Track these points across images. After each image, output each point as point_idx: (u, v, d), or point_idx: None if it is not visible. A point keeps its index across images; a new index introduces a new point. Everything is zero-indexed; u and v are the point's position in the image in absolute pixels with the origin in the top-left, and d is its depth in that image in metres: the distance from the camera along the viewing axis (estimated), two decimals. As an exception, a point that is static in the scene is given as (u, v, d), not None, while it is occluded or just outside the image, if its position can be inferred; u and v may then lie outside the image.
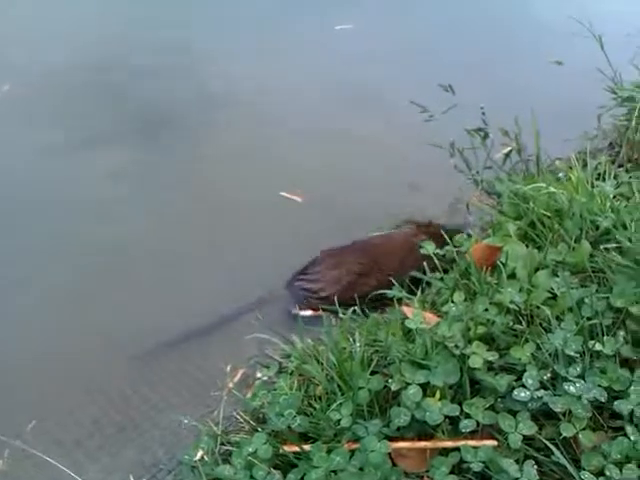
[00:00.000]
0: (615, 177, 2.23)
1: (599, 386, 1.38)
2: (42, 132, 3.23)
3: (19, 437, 1.79)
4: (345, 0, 4.48)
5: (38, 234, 2.58)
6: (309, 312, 2.16)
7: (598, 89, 2.80)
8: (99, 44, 4.03)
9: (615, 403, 1.36)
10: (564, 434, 1.33)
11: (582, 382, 1.39)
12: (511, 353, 1.49)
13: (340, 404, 1.44)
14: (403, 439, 1.41)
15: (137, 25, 4.27)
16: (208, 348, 2.11)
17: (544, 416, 1.41)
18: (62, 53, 3.94)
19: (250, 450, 1.43)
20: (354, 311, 1.84)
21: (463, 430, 1.37)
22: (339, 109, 3.31)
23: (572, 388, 1.36)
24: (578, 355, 1.44)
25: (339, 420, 1.41)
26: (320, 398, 1.55)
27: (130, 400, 1.96)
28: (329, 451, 1.37)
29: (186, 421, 1.66)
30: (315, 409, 1.50)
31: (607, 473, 1.27)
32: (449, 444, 1.36)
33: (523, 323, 1.60)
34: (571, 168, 2.15)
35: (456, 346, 1.49)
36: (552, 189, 1.97)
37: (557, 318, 1.58)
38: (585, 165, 2.21)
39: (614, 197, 2.06)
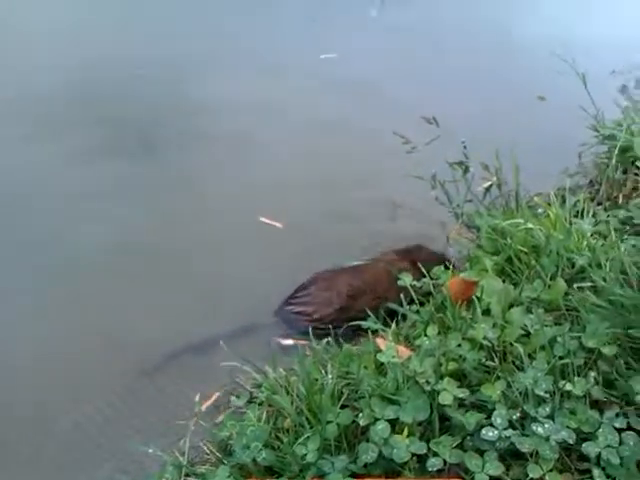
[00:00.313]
0: (594, 215, 2.24)
1: (568, 427, 1.37)
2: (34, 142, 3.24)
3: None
4: (331, 31, 4.52)
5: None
6: (290, 341, 2.15)
7: (581, 126, 2.85)
8: (88, 57, 4.05)
9: (583, 445, 1.35)
10: (531, 475, 1.32)
11: (551, 422, 1.38)
12: (482, 390, 1.48)
13: (307, 438, 1.42)
14: (369, 476, 1.39)
15: (127, 39, 4.29)
16: (181, 374, 2.08)
17: (512, 456, 1.40)
18: (51, 68, 3.96)
19: (213, 483, 1.41)
20: (328, 342, 1.83)
21: (430, 469, 1.35)
22: (322, 135, 3.33)
23: (540, 429, 1.35)
24: (548, 395, 1.43)
25: (305, 455, 1.39)
26: (288, 431, 1.53)
27: (98, 426, 1.92)
28: (293, 486, 1.35)
29: (151, 450, 1.61)
30: (282, 442, 1.48)
31: (573, 517, 1.26)
32: (415, 482, 1.35)
33: (496, 360, 1.60)
34: (550, 204, 2.16)
35: (427, 382, 1.48)
36: (530, 225, 1.98)
37: (529, 356, 1.58)
38: (564, 202, 2.23)
39: (591, 235, 2.07)
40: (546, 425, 1.37)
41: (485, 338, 1.62)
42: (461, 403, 1.49)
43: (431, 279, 1.99)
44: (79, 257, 2.55)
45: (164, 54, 4.14)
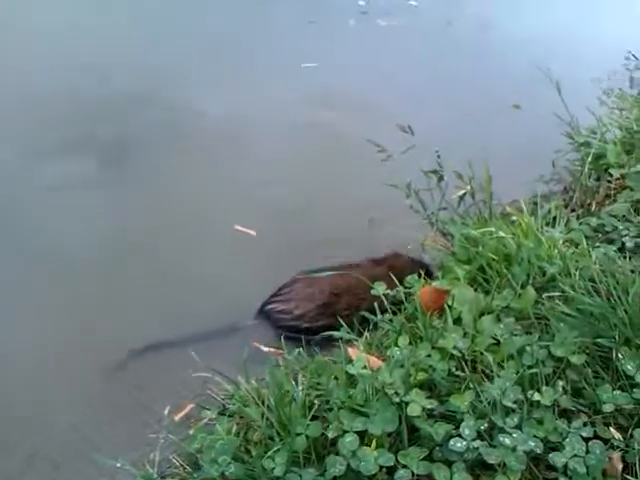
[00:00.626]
0: (567, 222, 2.26)
1: (535, 437, 1.38)
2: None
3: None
4: (312, 40, 4.53)
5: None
6: (268, 348, 2.14)
7: (557, 133, 2.87)
8: (73, 66, 4.01)
9: (550, 455, 1.35)
10: (498, 486, 1.32)
11: (519, 432, 1.38)
12: (451, 401, 1.48)
13: (276, 451, 1.41)
14: (338, 489, 1.38)
15: (111, 49, 4.26)
16: (155, 383, 2.06)
17: (481, 466, 1.40)
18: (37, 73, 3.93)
19: (181, 498, 1.40)
20: (299, 352, 1.82)
21: (398, 481, 1.35)
22: (297, 143, 3.33)
23: (507, 440, 1.35)
24: (516, 405, 1.44)
25: (273, 468, 1.38)
26: (258, 443, 1.52)
27: (67, 436, 1.90)
28: (261, 501, 1.35)
29: (119, 465, 1.59)
30: (252, 455, 1.47)
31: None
32: (383, 495, 1.34)
33: (466, 369, 1.60)
34: (522, 212, 2.18)
35: (396, 393, 1.47)
36: (501, 234, 1.99)
37: (499, 365, 1.58)
38: (536, 210, 2.24)
39: (563, 243, 2.08)
40: (514, 435, 1.37)
41: (455, 348, 1.62)
42: (431, 413, 1.49)
43: (405, 288, 2.00)
44: (51, 257, 2.54)
45: (145, 57, 4.11)
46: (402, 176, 2.49)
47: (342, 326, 1.88)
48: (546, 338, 1.64)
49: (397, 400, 1.46)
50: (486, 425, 1.41)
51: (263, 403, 1.60)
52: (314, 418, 1.52)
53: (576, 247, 2.05)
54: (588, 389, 1.51)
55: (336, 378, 1.62)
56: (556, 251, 1.97)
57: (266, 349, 2.14)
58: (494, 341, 1.67)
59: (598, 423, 1.45)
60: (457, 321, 1.76)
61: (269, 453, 1.42)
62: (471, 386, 1.52)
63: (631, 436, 1.40)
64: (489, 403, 1.45)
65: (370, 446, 1.40)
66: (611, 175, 2.54)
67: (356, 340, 1.85)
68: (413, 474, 1.36)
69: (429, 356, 1.60)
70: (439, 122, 3.28)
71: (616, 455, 1.37)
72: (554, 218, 2.25)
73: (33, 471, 1.82)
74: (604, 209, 2.37)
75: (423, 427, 1.43)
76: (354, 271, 2.28)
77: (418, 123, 2.65)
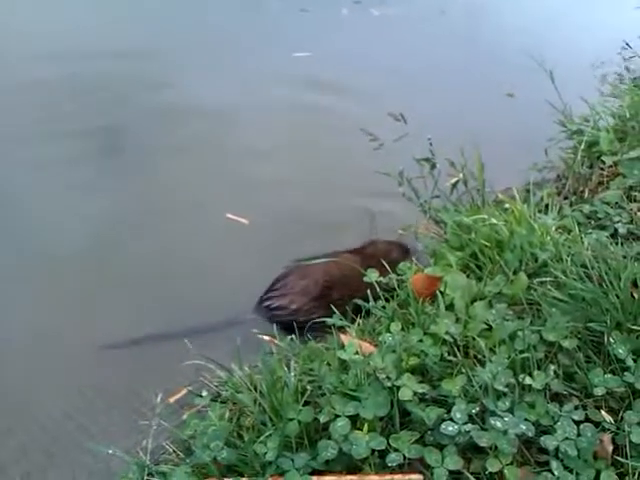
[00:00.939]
0: (560, 209, 2.26)
1: (527, 420, 1.38)
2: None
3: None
4: (305, 29, 4.51)
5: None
6: (266, 337, 2.14)
7: (551, 121, 2.88)
8: (65, 53, 3.99)
9: (542, 438, 1.36)
10: (489, 469, 1.33)
11: (510, 416, 1.38)
12: (443, 385, 1.48)
13: (268, 436, 1.41)
14: (330, 472, 1.38)
15: (104, 37, 4.24)
16: (149, 371, 2.06)
17: (473, 450, 1.41)
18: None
19: (173, 483, 1.40)
20: (292, 339, 1.82)
21: (390, 464, 1.35)
22: (290, 133, 3.32)
23: (498, 423, 1.35)
24: (507, 389, 1.44)
25: (265, 453, 1.38)
26: (250, 429, 1.52)
27: (60, 425, 1.91)
28: (252, 485, 1.35)
29: (110, 452, 1.59)
30: (244, 441, 1.47)
31: (531, 509, 1.27)
32: (375, 478, 1.35)
33: (458, 354, 1.60)
34: (514, 200, 2.18)
35: (388, 377, 1.47)
36: (494, 221, 1.99)
37: (491, 350, 1.59)
38: (529, 197, 2.24)
39: (556, 229, 2.08)
40: (505, 419, 1.37)
41: (447, 333, 1.62)
42: (423, 398, 1.49)
43: (397, 275, 2.00)
44: (50, 253, 2.52)
45: (138, 46, 4.09)
46: (395, 164, 2.49)
47: (335, 313, 1.88)
48: (538, 323, 1.64)
49: (389, 384, 1.46)
50: (478, 409, 1.41)
51: (256, 389, 1.60)
52: (306, 403, 1.52)
53: (568, 234, 2.05)
54: (580, 373, 1.51)
55: (328, 364, 1.63)
56: (548, 238, 1.97)
57: (260, 337, 2.14)
58: (486, 326, 1.67)
59: (589, 406, 1.46)
60: (449, 307, 1.76)
61: (261, 438, 1.42)
62: (463, 371, 1.53)
63: (622, 419, 1.40)
64: (481, 387, 1.45)
65: (362, 430, 1.40)
66: (604, 162, 2.55)
67: (349, 327, 1.85)
68: (404, 457, 1.37)
69: (421, 341, 1.60)
70: (432, 110, 3.28)
71: (607, 437, 1.38)
72: (547, 205, 2.26)
73: (27, 460, 1.82)
74: (597, 196, 2.37)
75: (415, 411, 1.43)
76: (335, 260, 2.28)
77: (411, 111, 2.65)
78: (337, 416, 1.42)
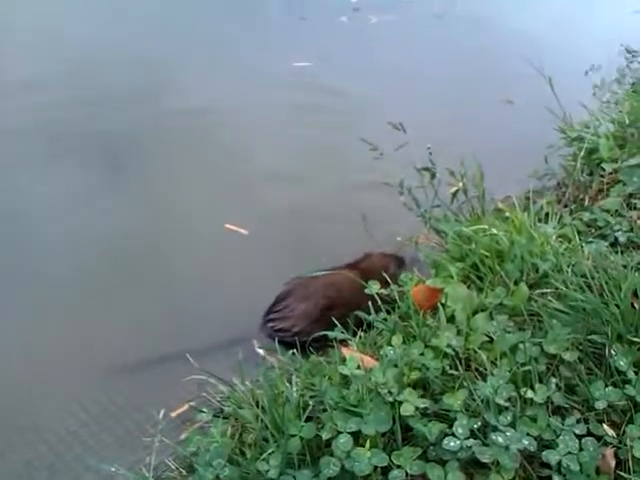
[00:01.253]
0: (560, 218, 2.26)
1: (529, 435, 1.38)
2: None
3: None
4: (304, 36, 4.52)
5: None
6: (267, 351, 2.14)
7: (550, 128, 2.87)
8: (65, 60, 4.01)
9: (544, 453, 1.36)
10: (492, 485, 1.32)
11: (512, 431, 1.38)
12: (444, 400, 1.48)
13: (270, 453, 1.41)
14: (333, 490, 1.38)
15: (104, 45, 4.26)
16: (149, 390, 2.06)
17: (475, 465, 1.40)
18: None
19: (176, 501, 1.40)
20: (293, 353, 1.82)
21: (393, 480, 1.35)
22: (289, 142, 3.33)
23: (500, 438, 1.35)
24: (509, 403, 1.44)
25: (267, 471, 1.39)
26: (253, 446, 1.52)
27: (64, 441, 1.91)
28: (256, 503, 1.35)
29: (113, 469, 1.60)
30: (247, 458, 1.47)
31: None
32: (377, 495, 1.35)
33: (460, 367, 1.60)
34: (514, 208, 2.17)
35: (389, 392, 1.47)
36: (494, 231, 1.99)
37: (493, 363, 1.59)
38: (529, 206, 2.24)
39: (557, 238, 2.08)
40: (507, 434, 1.37)
41: (449, 346, 1.62)
42: (424, 413, 1.49)
43: (398, 286, 2.00)
44: (50, 270, 2.53)
45: (137, 54, 4.11)
46: (395, 173, 2.50)
47: (336, 326, 1.89)
48: (539, 335, 1.64)
49: (390, 400, 1.46)
50: (479, 424, 1.41)
51: (258, 405, 1.60)
52: (308, 419, 1.52)
53: (569, 243, 2.05)
54: (581, 386, 1.51)
55: (330, 378, 1.63)
56: (549, 247, 1.97)
57: (262, 352, 2.14)
58: (487, 339, 1.67)
59: (591, 420, 1.45)
60: (451, 319, 1.76)
61: (263, 455, 1.42)
62: (464, 384, 1.52)
63: (624, 432, 1.40)
64: (482, 401, 1.45)
65: (364, 446, 1.40)
66: (604, 169, 2.54)
67: (350, 340, 1.85)
68: (407, 474, 1.36)
69: (422, 355, 1.60)
70: (431, 118, 3.28)
71: (609, 452, 1.37)
72: (547, 214, 2.25)
73: (30, 476, 1.82)
74: (597, 204, 2.37)
75: (417, 426, 1.43)
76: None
77: (410, 119, 2.65)
78: (339, 432, 1.42)
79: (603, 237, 2.13)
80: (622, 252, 1.94)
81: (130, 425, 1.92)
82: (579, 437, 1.38)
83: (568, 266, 1.82)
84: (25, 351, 2.18)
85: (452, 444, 1.37)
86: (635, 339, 1.53)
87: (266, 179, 2.98)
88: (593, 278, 1.72)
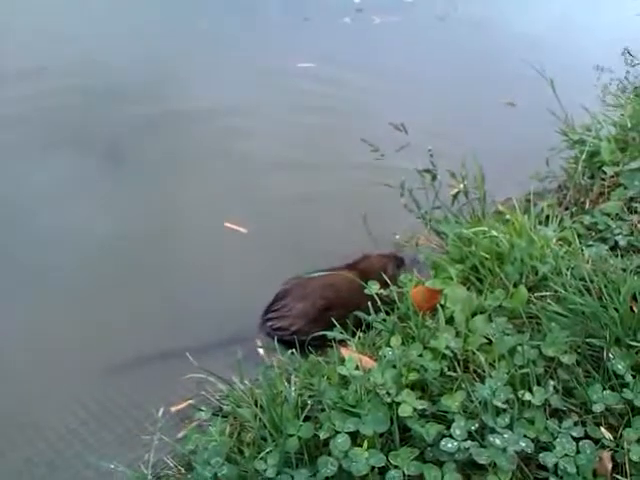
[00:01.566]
0: (560, 220, 2.26)
1: (526, 437, 1.38)
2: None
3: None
4: (307, 37, 4.53)
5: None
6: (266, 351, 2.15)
7: (552, 131, 2.87)
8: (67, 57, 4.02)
9: (541, 455, 1.36)
10: (489, 486, 1.33)
11: (510, 433, 1.39)
12: (442, 401, 1.49)
13: (268, 452, 1.42)
14: (330, 489, 1.39)
15: (106, 45, 4.27)
16: (149, 388, 2.06)
17: (472, 466, 1.41)
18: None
19: (173, 499, 1.41)
20: (292, 353, 1.83)
21: (390, 481, 1.36)
22: (290, 142, 3.33)
23: (497, 440, 1.36)
24: (507, 405, 1.44)
25: (265, 470, 1.39)
26: (251, 444, 1.52)
27: (64, 438, 1.91)
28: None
29: (112, 466, 1.60)
30: (245, 456, 1.48)
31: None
32: (374, 495, 1.35)
33: (458, 369, 1.60)
34: (515, 211, 2.18)
35: (387, 393, 1.48)
36: (494, 233, 1.99)
37: (491, 365, 1.59)
38: (529, 208, 2.24)
39: (557, 241, 2.09)
40: (504, 435, 1.37)
41: (447, 347, 1.63)
42: (422, 414, 1.49)
43: (398, 287, 2.00)
44: (50, 268, 2.53)
45: (139, 54, 4.12)
46: (396, 174, 2.50)
47: (335, 326, 1.89)
48: (537, 337, 1.64)
49: (388, 400, 1.46)
50: (477, 425, 1.42)
51: (256, 404, 1.60)
52: (307, 419, 1.53)
53: (569, 246, 2.05)
54: (579, 389, 1.51)
55: (328, 379, 1.63)
56: (549, 250, 1.98)
57: (261, 350, 2.15)
58: (486, 341, 1.67)
59: (589, 423, 1.46)
60: (450, 321, 1.76)
61: (262, 454, 1.42)
62: (463, 386, 1.53)
63: (621, 436, 1.40)
64: (480, 403, 1.46)
65: (362, 446, 1.40)
66: (605, 173, 2.54)
67: (349, 340, 1.85)
68: (404, 474, 1.37)
69: (421, 356, 1.60)
70: (432, 120, 3.28)
71: (606, 454, 1.38)
72: (547, 216, 2.25)
73: (30, 473, 1.83)
74: (598, 207, 2.37)
75: (414, 427, 1.43)
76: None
77: (412, 121, 2.65)
78: (337, 432, 1.42)
79: (603, 240, 2.13)
80: (622, 256, 1.95)
81: (129, 423, 1.93)
82: (576, 440, 1.39)
83: (567, 269, 1.82)
84: (24, 349, 2.19)
85: (450, 445, 1.38)
86: (633, 343, 1.53)
87: (267, 179, 2.98)
88: (592, 281, 1.73)
